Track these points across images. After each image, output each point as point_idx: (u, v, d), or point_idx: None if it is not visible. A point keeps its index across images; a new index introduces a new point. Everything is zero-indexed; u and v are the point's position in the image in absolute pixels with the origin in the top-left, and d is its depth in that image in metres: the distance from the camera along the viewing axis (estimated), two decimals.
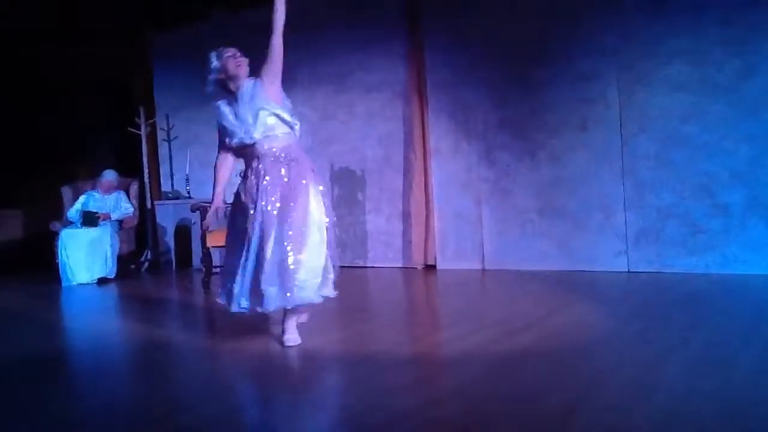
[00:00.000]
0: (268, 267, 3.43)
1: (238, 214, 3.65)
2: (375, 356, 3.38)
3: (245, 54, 3.61)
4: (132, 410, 2.79)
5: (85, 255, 6.95)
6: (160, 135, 8.56)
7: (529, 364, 3.11)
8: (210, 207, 3.92)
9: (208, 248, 6.09)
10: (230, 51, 3.59)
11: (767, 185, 5.20)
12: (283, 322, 3.68)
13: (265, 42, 3.52)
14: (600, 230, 5.86)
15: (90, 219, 7.12)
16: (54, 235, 7.19)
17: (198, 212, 6.28)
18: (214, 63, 3.57)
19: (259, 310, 3.50)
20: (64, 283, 6.86)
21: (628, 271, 5.72)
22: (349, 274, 3.70)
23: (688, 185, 5.48)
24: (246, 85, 3.57)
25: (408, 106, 6.83)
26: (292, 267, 3.42)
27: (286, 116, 3.58)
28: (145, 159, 8.41)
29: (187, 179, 7.98)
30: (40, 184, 8.17)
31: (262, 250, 3.44)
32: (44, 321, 5.13)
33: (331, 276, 3.64)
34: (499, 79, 6.29)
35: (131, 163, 8.32)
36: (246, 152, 3.63)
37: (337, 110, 7.25)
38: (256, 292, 3.46)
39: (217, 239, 5.86)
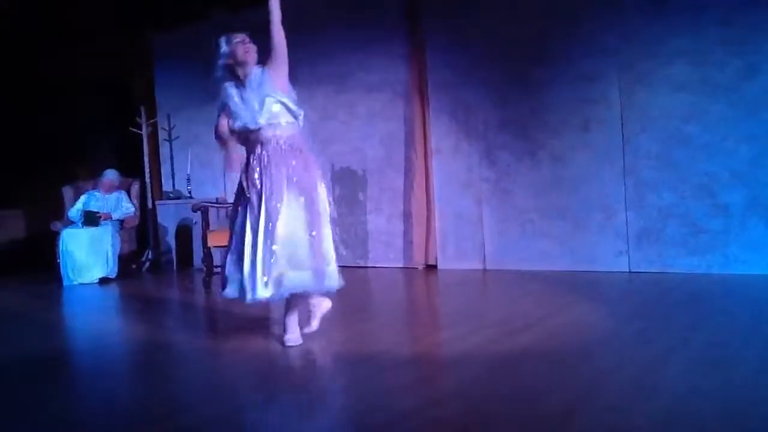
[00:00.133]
0: (284, 251, 3.42)
1: (241, 205, 3.62)
2: (375, 356, 3.38)
3: (254, 41, 3.60)
4: (132, 410, 2.79)
5: (86, 255, 6.95)
6: (161, 135, 8.57)
7: (530, 364, 3.11)
8: (228, 157, 3.77)
9: (209, 248, 6.09)
10: (239, 37, 3.57)
11: (767, 185, 5.21)
12: (284, 321, 3.67)
13: (267, 40, 3.52)
14: (601, 230, 5.86)
15: (91, 219, 7.13)
16: (55, 235, 7.19)
17: (199, 212, 6.28)
18: (223, 48, 3.57)
19: (276, 296, 3.44)
20: (65, 283, 6.86)
21: (629, 271, 5.71)
22: (349, 274, 3.69)
23: (689, 185, 5.48)
24: (254, 71, 3.57)
25: (409, 106, 6.83)
26: (309, 253, 3.45)
27: (292, 105, 3.58)
28: (146, 159, 8.41)
29: (188, 179, 7.98)
30: (41, 183, 8.17)
31: (271, 234, 3.42)
32: (45, 321, 5.13)
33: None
34: (500, 79, 6.29)
35: (132, 163, 8.32)
36: (249, 138, 3.61)
37: (337, 110, 7.24)
38: (272, 278, 3.41)
39: (218, 239, 5.87)
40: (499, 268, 6.32)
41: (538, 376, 2.90)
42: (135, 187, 7.90)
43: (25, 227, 8.69)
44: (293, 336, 3.63)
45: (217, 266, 6.37)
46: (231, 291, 3.57)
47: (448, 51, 6.54)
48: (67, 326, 5.20)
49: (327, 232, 3.57)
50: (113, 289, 6.64)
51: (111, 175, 7.56)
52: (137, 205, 7.77)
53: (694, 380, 2.69)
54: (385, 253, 7.05)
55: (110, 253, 7.03)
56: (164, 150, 8.64)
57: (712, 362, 2.95)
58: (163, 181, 8.68)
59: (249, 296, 3.45)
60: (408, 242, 6.90)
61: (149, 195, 8.37)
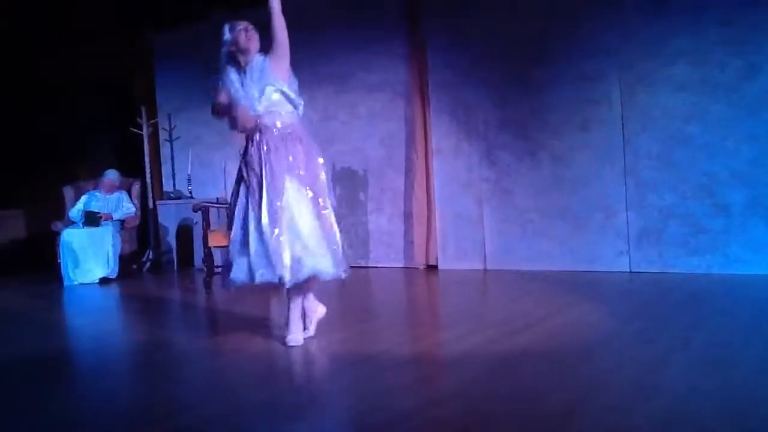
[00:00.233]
0: (296, 240, 3.42)
1: (241, 191, 3.61)
2: (376, 356, 3.38)
3: (257, 29, 3.59)
4: (132, 410, 2.79)
5: (86, 255, 6.96)
6: (162, 135, 8.57)
7: (530, 364, 3.10)
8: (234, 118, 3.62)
9: (210, 248, 6.10)
10: (242, 24, 3.57)
11: None
12: (287, 320, 3.65)
13: (269, 33, 3.53)
14: (601, 230, 5.86)
15: (92, 219, 7.13)
16: (55, 235, 7.19)
17: (200, 212, 6.28)
18: (226, 35, 3.56)
19: (292, 279, 3.42)
20: (65, 283, 6.87)
21: (630, 271, 5.71)
22: (350, 274, 3.68)
23: (690, 185, 5.48)
24: (256, 59, 3.57)
25: (409, 107, 6.83)
26: (321, 239, 3.48)
27: (292, 94, 3.58)
28: (147, 159, 8.41)
29: (188, 179, 7.99)
30: (41, 184, 8.18)
31: (279, 223, 3.41)
32: (45, 321, 5.13)
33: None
34: (500, 80, 6.29)
35: (132, 163, 8.33)
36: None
37: (338, 111, 7.25)
38: (290, 260, 3.40)
39: (219, 239, 5.87)
40: (500, 268, 6.32)
41: (538, 376, 2.90)
42: (136, 188, 7.90)
43: (25, 227, 8.70)
44: (296, 336, 3.62)
45: (218, 266, 6.37)
46: (238, 274, 3.52)
47: (449, 51, 6.54)
48: (67, 326, 5.20)
49: (333, 219, 3.60)
50: (114, 290, 6.64)
51: (112, 175, 7.56)
52: (138, 205, 7.77)
53: (694, 380, 2.69)
54: (386, 253, 7.05)
55: (111, 253, 7.03)
56: (165, 150, 8.64)
57: (712, 362, 2.95)
58: (163, 181, 8.69)
59: (258, 277, 3.43)
60: (409, 242, 6.90)
61: (150, 195, 8.37)
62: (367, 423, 2.45)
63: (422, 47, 6.71)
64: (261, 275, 3.43)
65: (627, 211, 5.73)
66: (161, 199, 8.37)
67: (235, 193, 3.68)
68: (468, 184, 6.52)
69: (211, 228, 6.21)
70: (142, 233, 8.06)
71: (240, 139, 3.72)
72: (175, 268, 8.02)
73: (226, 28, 3.58)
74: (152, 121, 8.46)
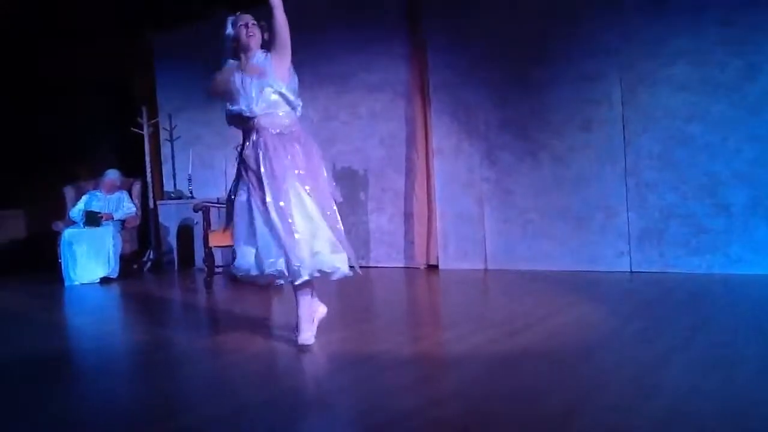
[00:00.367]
0: (308, 238, 3.42)
1: (242, 187, 3.59)
2: (376, 356, 3.38)
3: (260, 24, 3.57)
4: (133, 410, 2.79)
5: (87, 255, 6.95)
6: (163, 135, 8.57)
7: (530, 364, 3.10)
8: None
9: (211, 248, 6.10)
10: (244, 20, 3.54)
11: None
12: (297, 319, 3.63)
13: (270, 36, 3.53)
14: (602, 230, 5.85)
15: (92, 219, 7.13)
16: (56, 235, 7.19)
17: (201, 212, 6.28)
18: (228, 30, 3.55)
19: (308, 271, 3.41)
20: (66, 283, 6.87)
21: (631, 271, 5.71)
22: (355, 272, 3.67)
23: (691, 185, 5.47)
24: (257, 57, 3.54)
25: (410, 107, 6.83)
26: (332, 237, 3.49)
27: (290, 96, 3.55)
28: (147, 159, 8.41)
29: (189, 179, 7.99)
30: (41, 184, 8.19)
31: (287, 223, 3.40)
32: (46, 321, 5.13)
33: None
34: (501, 80, 6.28)
35: (133, 163, 8.32)
36: (245, 123, 3.59)
37: (339, 111, 7.25)
38: (304, 255, 3.39)
39: (219, 239, 5.88)
40: (500, 268, 6.32)
41: (538, 376, 2.89)
42: (136, 187, 7.91)
43: (25, 227, 8.71)
44: (307, 335, 3.57)
45: (218, 266, 6.39)
46: (243, 262, 3.51)
47: (449, 51, 6.53)
48: (68, 326, 5.19)
49: (338, 217, 3.59)
50: (114, 289, 6.64)
51: (112, 175, 7.57)
52: (139, 205, 7.77)
53: (695, 380, 2.68)
54: (387, 253, 7.05)
55: (111, 253, 7.03)
56: (165, 150, 8.64)
57: (713, 362, 2.95)
58: (164, 181, 8.69)
59: (268, 266, 3.42)
60: (409, 242, 6.90)
61: (151, 195, 8.37)
62: (367, 423, 2.45)
63: (423, 47, 6.70)
64: (271, 264, 3.41)
65: (628, 211, 5.73)
66: (162, 199, 8.37)
67: (234, 190, 3.67)
68: (468, 184, 6.52)
69: (212, 228, 6.21)
70: (143, 233, 8.06)
71: (237, 135, 3.72)
72: (176, 268, 8.02)
73: (229, 22, 3.56)
74: (153, 121, 8.46)
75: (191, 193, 7.95)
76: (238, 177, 3.65)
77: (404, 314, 4.91)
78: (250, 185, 3.52)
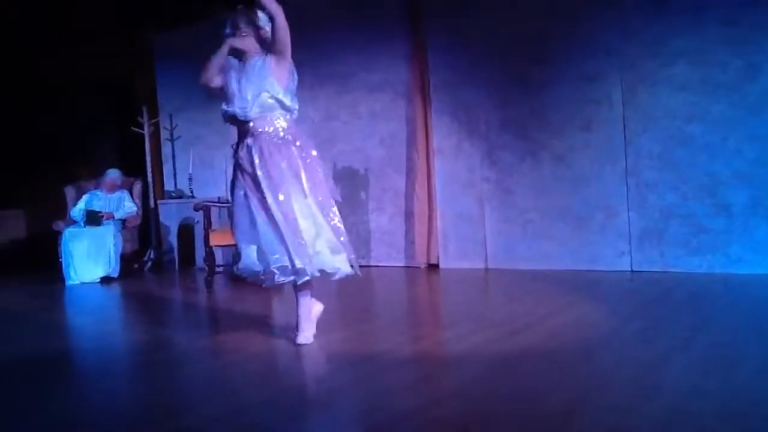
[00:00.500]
0: (312, 240, 3.43)
1: (238, 186, 3.59)
2: (376, 356, 3.37)
3: (256, 28, 3.54)
4: (133, 410, 2.79)
5: (88, 254, 6.95)
6: (163, 134, 8.58)
7: (530, 363, 3.10)
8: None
9: (212, 247, 6.10)
10: (240, 24, 3.52)
11: None
12: (297, 318, 3.63)
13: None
14: (603, 230, 5.85)
15: (93, 218, 7.13)
16: (57, 235, 7.20)
17: (201, 211, 6.28)
18: (228, 31, 3.54)
19: (309, 270, 3.40)
20: (67, 283, 6.87)
21: (631, 271, 5.70)
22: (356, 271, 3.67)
23: (691, 185, 5.47)
24: (255, 59, 3.53)
25: (410, 107, 6.83)
26: (334, 238, 3.50)
27: (287, 101, 3.53)
28: (148, 158, 8.41)
29: (190, 178, 7.99)
30: (41, 183, 8.19)
31: (291, 226, 3.40)
32: (46, 320, 5.13)
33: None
34: (501, 80, 6.28)
35: (133, 163, 8.33)
36: (240, 126, 3.59)
37: (339, 111, 7.25)
38: (305, 252, 3.39)
39: (220, 238, 5.89)
40: (501, 268, 6.32)
41: (538, 376, 2.89)
42: (137, 187, 7.91)
43: (26, 227, 8.71)
44: (308, 334, 3.59)
45: (219, 265, 6.39)
46: (250, 266, 3.52)
47: (449, 51, 6.53)
48: (68, 326, 5.19)
49: (339, 219, 3.58)
50: (115, 289, 6.64)
51: (113, 174, 7.57)
52: (139, 204, 7.77)
53: (695, 380, 2.68)
54: (387, 253, 7.05)
55: (112, 253, 7.03)
56: (166, 149, 8.64)
57: (713, 362, 2.95)
58: (165, 181, 8.69)
59: (273, 262, 3.41)
60: (410, 242, 6.90)
61: (151, 194, 8.37)
62: (367, 423, 2.45)
63: (423, 47, 6.70)
64: (276, 260, 3.40)
65: (628, 211, 5.73)
66: (162, 199, 8.37)
67: (232, 188, 3.67)
68: (469, 183, 6.52)
69: (213, 227, 6.21)
70: (144, 232, 8.06)
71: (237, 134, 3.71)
72: (177, 267, 8.02)
73: (228, 23, 3.56)
74: (153, 121, 8.46)
75: (192, 192, 7.95)
76: (235, 176, 3.65)
77: (404, 314, 4.91)
78: (247, 188, 3.52)
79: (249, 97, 3.48)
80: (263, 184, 3.44)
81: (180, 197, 8.05)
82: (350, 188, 7.15)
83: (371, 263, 7.09)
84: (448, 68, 6.55)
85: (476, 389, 2.76)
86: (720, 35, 5.29)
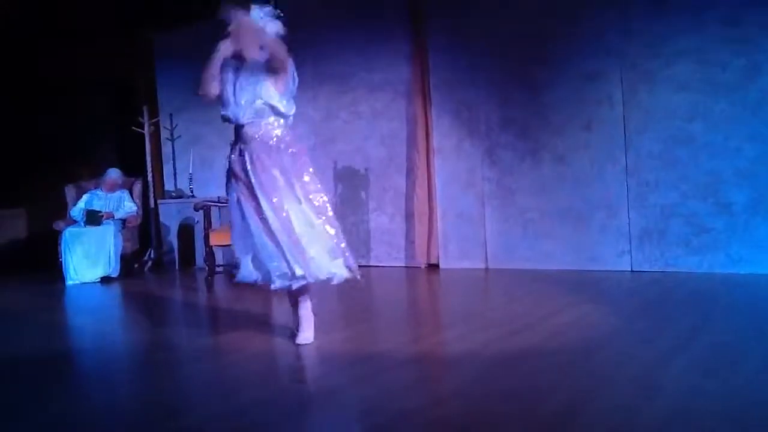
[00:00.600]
0: (309, 245, 3.42)
1: (234, 188, 3.57)
2: (377, 356, 3.37)
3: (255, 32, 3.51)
4: (133, 410, 2.79)
5: (88, 254, 6.95)
6: (164, 134, 8.57)
7: (531, 363, 3.09)
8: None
9: (212, 247, 6.10)
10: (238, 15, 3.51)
11: None
12: (297, 319, 3.63)
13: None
14: (603, 230, 5.85)
15: (93, 218, 7.13)
16: (57, 234, 7.19)
17: (201, 211, 6.28)
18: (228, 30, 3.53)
19: (307, 277, 3.39)
20: (67, 282, 6.86)
21: (632, 271, 5.70)
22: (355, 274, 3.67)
23: (692, 185, 5.46)
24: (254, 63, 3.49)
25: (411, 106, 6.82)
26: (330, 242, 3.49)
27: (281, 107, 3.50)
28: (148, 158, 8.40)
29: (190, 178, 7.99)
30: (42, 183, 8.18)
31: (287, 229, 3.39)
32: (46, 320, 5.13)
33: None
34: (502, 79, 6.28)
35: (133, 163, 8.32)
36: (235, 129, 3.58)
37: (340, 110, 7.24)
38: (303, 258, 3.38)
39: (220, 238, 5.88)
40: (501, 268, 6.31)
41: (538, 376, 2.89)
42: (137, 187, 7.90)
43: (26, 227, 8.70)
44: (307, 334, 3.60)
45: (219, 265, 6.39)
46: (248, 276, 3.53)
47: (450, 51, 6.53)
48: (68, 326, 5.19)
49: (334, 223, 3.56)
50: (115, 289, 6.64)
51: (114, 173, 7.56)
52: (139, 204, 7.77)
53: (696, 380, 2.68)
54: (388, 252, 7.05)
55: (112, 253, 7.03)
56: (166, 149, 8.64)
57: (714, 362, 2.94)
58: (165, 181, 8.68)
59: (273, 269, 3.41)
60: (410, 241, 6.89)
61: (151, 194, 8.35)
62: (367, 423, 2.45)
63: (424, 47, 6.69)
64: (275, 268, 3.40)
65: (629, 211, 5.72)
66: (162, 198, 8.37)
67: (227, 194, 3.68)
68: (469, 183, 6.51)
69: (213, 227, 6.21)
70: (144, 232, 8.05)
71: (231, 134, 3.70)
72: (177, 267, 8.01)
73: (228, 24, 3.55)
74: (153, 121, 8.45)
75: (192, 192, 7.95)
76: (228, 179, 3.64)
77: (404, 314, 4.91)
78: (241, 195, 3.51)
79: (243, 103, 3.48)
80: (257, 190, 3.44)
81: (180, 197, 8.05)
82: (350, 188, 7.15)
83: (371, 263, 7.08)
84: (449, 68, 6.54)
85: (476, 389, 2.76)
86: (721, 35, 5.29)
